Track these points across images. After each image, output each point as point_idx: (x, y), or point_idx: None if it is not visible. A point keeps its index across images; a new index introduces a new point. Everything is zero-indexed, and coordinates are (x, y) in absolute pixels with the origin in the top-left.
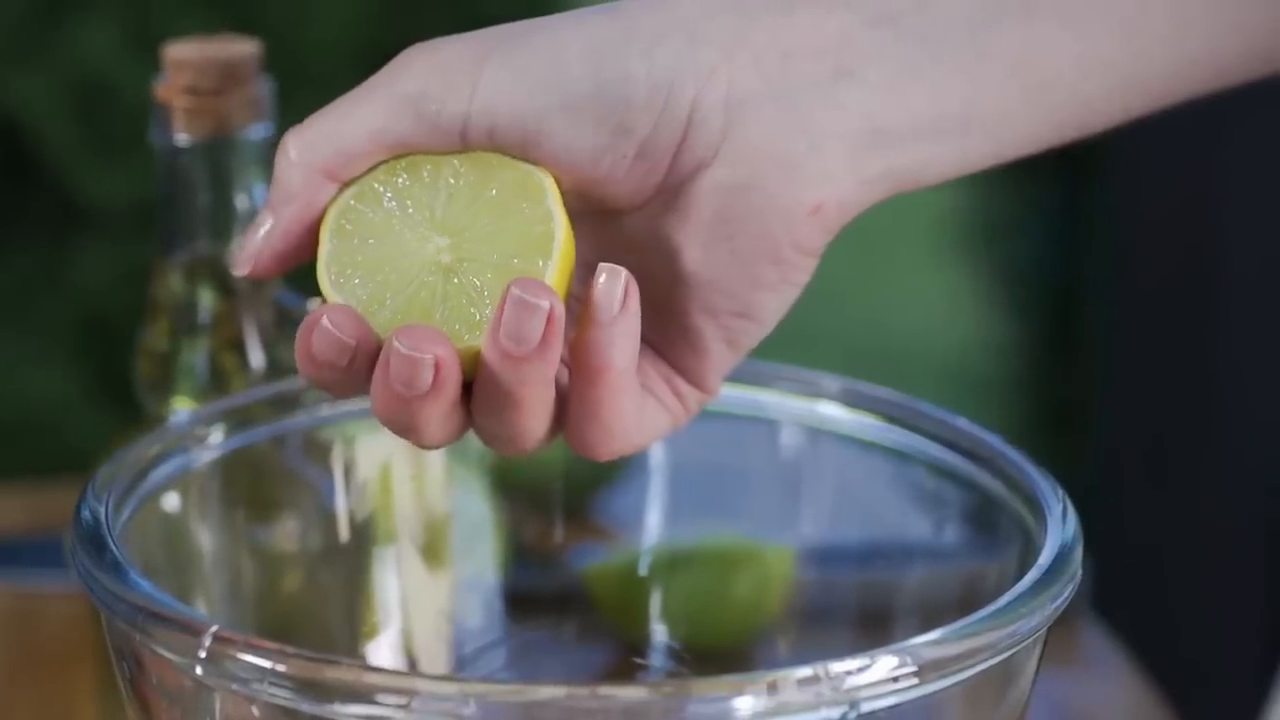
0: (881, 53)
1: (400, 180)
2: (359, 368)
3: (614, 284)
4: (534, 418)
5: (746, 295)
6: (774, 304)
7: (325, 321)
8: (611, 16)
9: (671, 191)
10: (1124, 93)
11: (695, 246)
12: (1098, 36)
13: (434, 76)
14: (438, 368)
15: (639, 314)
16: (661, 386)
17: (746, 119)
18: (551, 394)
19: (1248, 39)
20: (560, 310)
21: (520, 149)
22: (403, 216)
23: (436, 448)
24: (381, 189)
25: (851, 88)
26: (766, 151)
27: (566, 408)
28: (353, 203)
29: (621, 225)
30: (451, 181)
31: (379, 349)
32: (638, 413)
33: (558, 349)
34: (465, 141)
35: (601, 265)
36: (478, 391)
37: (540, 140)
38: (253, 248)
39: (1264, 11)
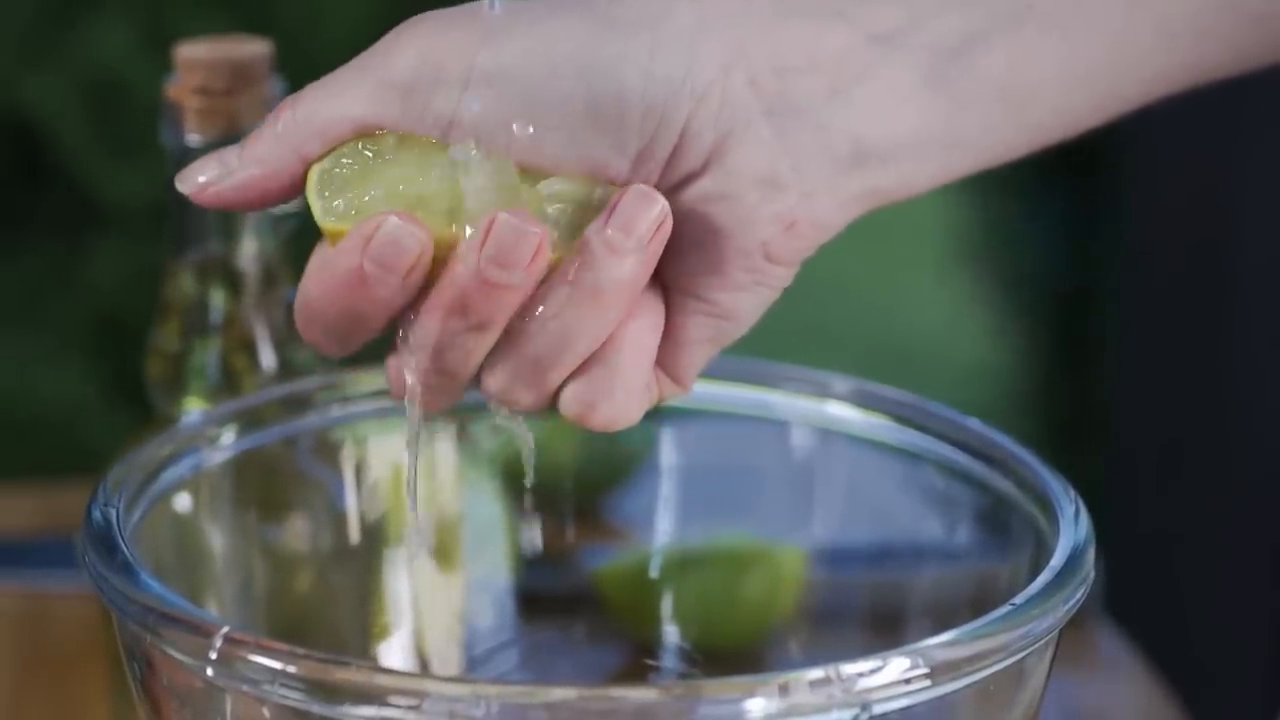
0: (875, 72)
1: (388, 142)
2: (413, 280)
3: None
4: (612, 313)
5: (721, 297)
6: (749, 306)
7: (395, 219)
8: (608, 25)
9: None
10: (1106, 102)
11: (674, 247)
12: (1084, 47)
13: (423, 69)
14: (539, 247)
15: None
16: None
17: (736, 137)
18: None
19: (1229, 43)
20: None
21: (509, 157)
22: (405, 166)
23: (467, 376)
24: (369, 150)
25: (841, 108)
26: (751, 169)
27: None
28: (343, 160)
29: None
30: (440, 149)
31: (430, 262)
32: (643, 381)
33: (664, 242)
34: (448, 136)
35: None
36: (561, 280)
37: (532, 154)
38: (204, 176)
39: (1246, 14)
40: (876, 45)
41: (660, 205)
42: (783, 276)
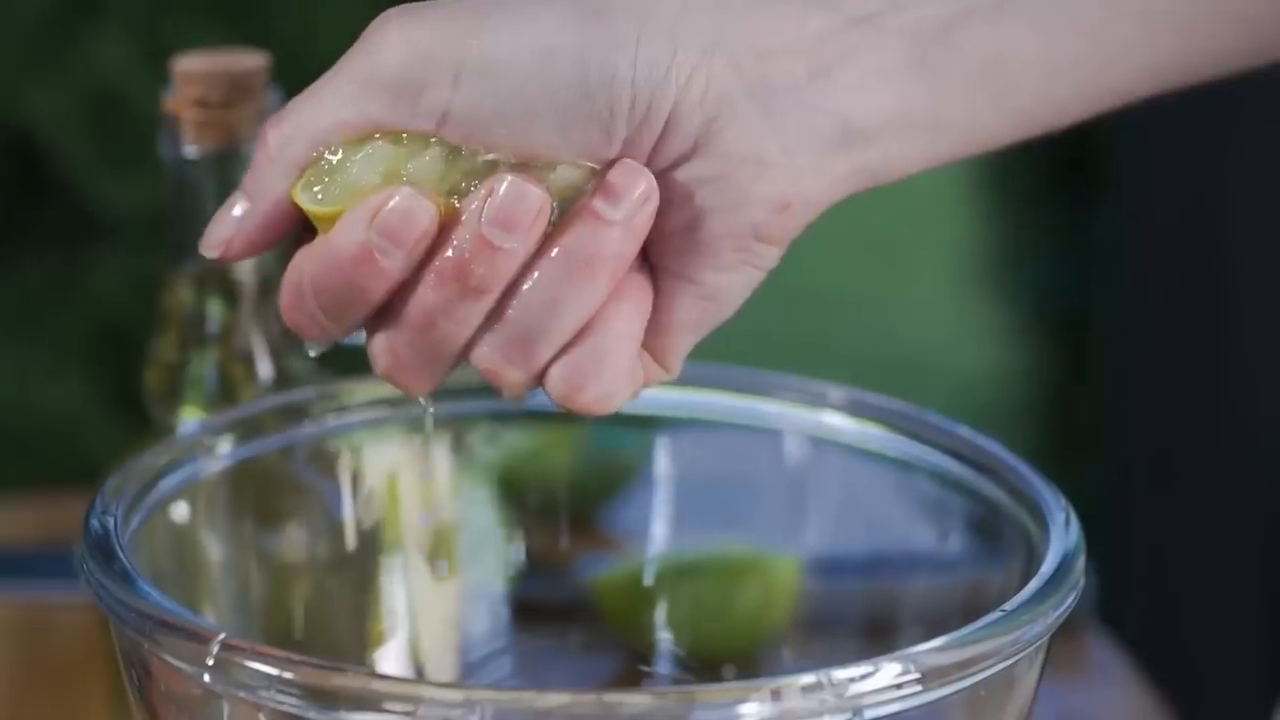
0: (856, 54)
1: (372, 137)
2: (417, 252)
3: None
4: (600, 285)
5: (711, 277)
6: (737, 287)
7: (407, 189)
8: (596, 14)
9: None
10: (1089, 94)
11: (664, 230)
12: (1065, 39)
13: (411, 65)
14: (541, 209)
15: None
16: None
17: (722, 120)
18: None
19: (1213, 42)
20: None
21: (503, 148)
22: (390, 156)
23: (455, 350)
24: (353, 144)
25: (824, 89)
26: (740, 152)
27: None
28: (327, 155)
29: None
30: (424, 147)
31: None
32: (630, 364)
33: (651, 217)
34: (439, 130)
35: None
36: (549, 251)
37: (526, 143)
38: (225, 231)
39: (1229, 14)
40: (857, 27)
41: (647, 180)
42: (771, 256)
